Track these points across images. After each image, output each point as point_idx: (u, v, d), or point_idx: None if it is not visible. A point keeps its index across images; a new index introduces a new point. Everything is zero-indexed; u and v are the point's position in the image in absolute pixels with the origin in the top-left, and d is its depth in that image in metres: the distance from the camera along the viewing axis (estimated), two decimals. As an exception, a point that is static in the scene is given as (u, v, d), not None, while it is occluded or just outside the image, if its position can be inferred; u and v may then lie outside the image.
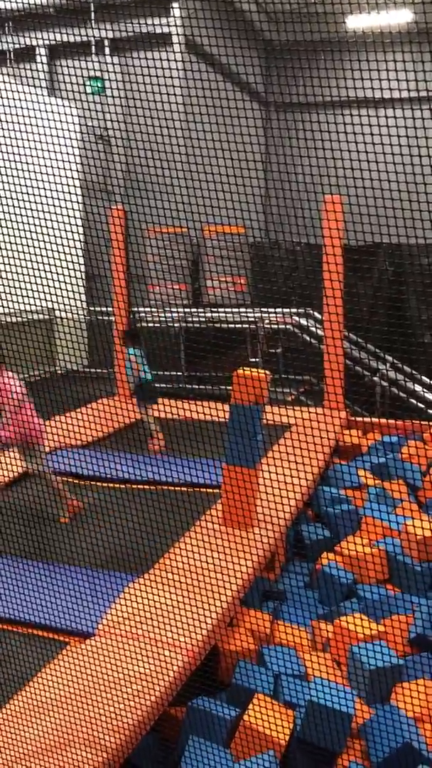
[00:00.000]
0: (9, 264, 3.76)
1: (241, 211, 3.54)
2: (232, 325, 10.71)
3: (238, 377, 5.00)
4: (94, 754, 2.87)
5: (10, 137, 3.76)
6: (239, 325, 10.75)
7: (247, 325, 10.77)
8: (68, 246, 3.88)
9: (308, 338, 10.21)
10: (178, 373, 10.85)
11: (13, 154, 3.86)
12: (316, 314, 10.00)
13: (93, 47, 13.20)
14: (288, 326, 10.49)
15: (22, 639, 3.82)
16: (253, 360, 10.77)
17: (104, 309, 10.65)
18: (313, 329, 10.21)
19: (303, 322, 10.37)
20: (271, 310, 10.62)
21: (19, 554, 4.70)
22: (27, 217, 3.81)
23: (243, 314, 10.68)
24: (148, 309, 11.06)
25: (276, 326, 10.58)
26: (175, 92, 3.47)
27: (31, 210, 3.78)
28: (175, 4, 12.46)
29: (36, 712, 3.11)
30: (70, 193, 4.05)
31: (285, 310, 10.43)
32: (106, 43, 13.10)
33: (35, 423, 5.44)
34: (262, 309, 10.72)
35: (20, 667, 3.54)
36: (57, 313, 4.10)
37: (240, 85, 14.17)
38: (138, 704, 3.15)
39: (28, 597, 3.91)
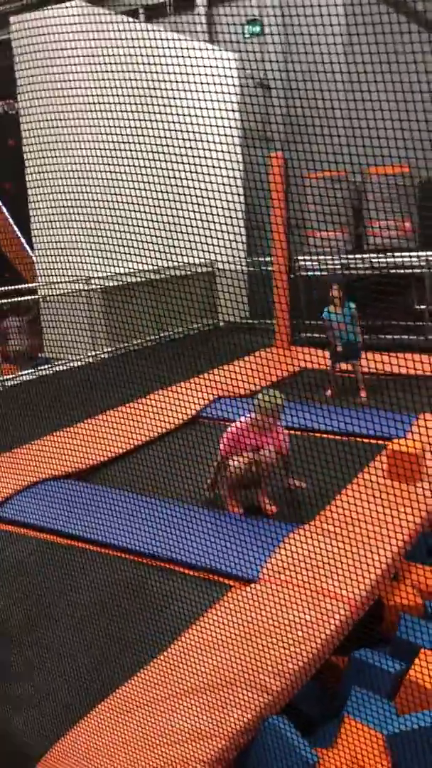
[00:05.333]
0: (171, 216, 3.80)
1: (406, 149, 3.32)
2: (397, 271, 10.28)
3: None
4: (258, 694, 2.96)
5: (170, 88, 3.76)
6: (404, 271, 10.30)
7: (412, 271, 10.29)
8: (228, 195, 3.85)
9: None
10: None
11: (174, 106, 3.87)
12: None
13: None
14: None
15: (189, 581, 3.99)
16: (420, 307, 10.31)
17: (263, 260, 10.60)
18: None
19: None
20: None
21: (187, 500, 4.89)
22: (187, 169, 3.82)
23: (408, 259, 10.21)
24: (308, 257, 10.87)
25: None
26: (335, 28, 3.28)
27: (192, 161, 3.77)
28: None
29: (202, 651, 3.25)
30: (230, 143, 4.00)
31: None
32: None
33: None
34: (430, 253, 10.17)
35: (188, 607, 3.70)
36: (218, 264, 4.12)
37: (407, 13, 13.25)
38: (301, 650, 3.19)
39: (197, 541, 4.05)
